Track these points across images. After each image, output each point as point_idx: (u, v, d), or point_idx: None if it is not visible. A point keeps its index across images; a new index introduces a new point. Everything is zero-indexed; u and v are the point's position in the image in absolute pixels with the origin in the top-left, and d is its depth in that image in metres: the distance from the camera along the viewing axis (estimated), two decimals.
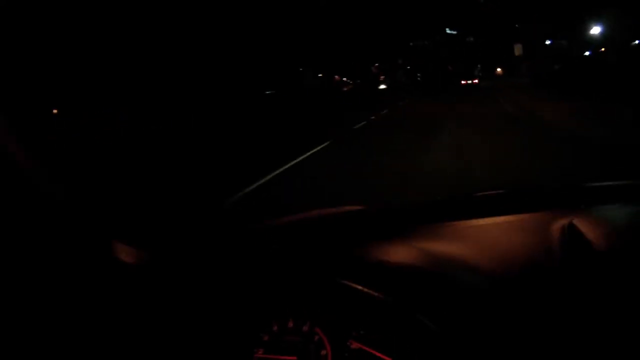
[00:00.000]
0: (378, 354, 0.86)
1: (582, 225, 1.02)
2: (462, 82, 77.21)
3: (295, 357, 0.91)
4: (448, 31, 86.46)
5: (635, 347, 0.73)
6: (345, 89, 63.57)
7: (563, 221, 1.07)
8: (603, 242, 0.95)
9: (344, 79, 75.48)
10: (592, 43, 39.96)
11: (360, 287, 0.86)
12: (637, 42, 29.45)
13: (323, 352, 0.91)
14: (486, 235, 1.10)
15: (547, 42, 42.43)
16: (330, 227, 1.25)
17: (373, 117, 19.13)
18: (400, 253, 1.04)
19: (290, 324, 0.94)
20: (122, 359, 0.86)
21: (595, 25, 38.02)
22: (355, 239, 1.13)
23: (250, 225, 1.30)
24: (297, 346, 0.92)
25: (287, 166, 8.81)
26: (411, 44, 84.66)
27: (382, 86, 58.26)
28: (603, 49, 33.80)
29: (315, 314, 0.94)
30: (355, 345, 0.89)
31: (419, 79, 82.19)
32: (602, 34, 39.30)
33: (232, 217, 5.23)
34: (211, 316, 0.96)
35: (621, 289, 0.83)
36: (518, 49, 35.69)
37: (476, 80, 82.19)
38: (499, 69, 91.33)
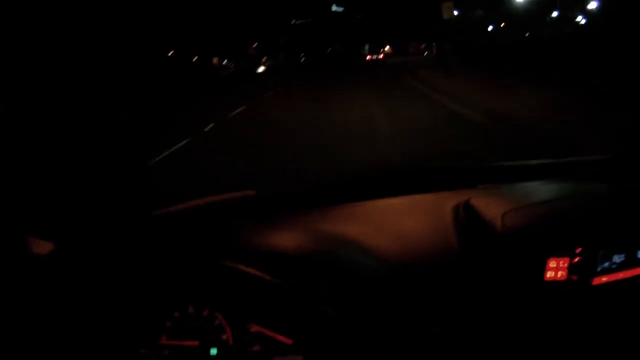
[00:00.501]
0: (278, 337, 0.90)
1: (479, 204, 1.07)
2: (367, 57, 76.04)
3: (197, 342, 0.95)
4: (334, 8, 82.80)
5: (528, 325, 0.84)
6: (225, 72, 57.14)
7: (459, 201, 1.11)
8: (498, 221, 0.99)
9: (225, 61, 68.99)
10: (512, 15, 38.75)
11: (252, 271, 0.89)
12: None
13: (224, 337, 0.94)
14: (384, 217, 1.11)
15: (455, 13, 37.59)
16: (222, 212, 1.25)
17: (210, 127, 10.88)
18: (293, 237, 1.04)
19: (191, 310, 0.97)
20: (33, 350, 0.89)
21: None
22: (246, 224, 1.14)
23: (145, 214, 1.28)
24: (199, 331, 0.95)
25: None
26: (293, 22, 79.60)
27: (261, 68, 51.04)
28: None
29: (213, 299, 0.97)
30: (255, 328, 0.93)
31: (302, 59, 77.01)
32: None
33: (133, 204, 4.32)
34: (115, 304, 0.98)
35: (514, 266, 0.91)
36: (448, 9, 24.59)
37: (381, 56, 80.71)
38: (387, 47, 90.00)
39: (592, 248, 0.98)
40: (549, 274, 0.96)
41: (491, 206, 1.06)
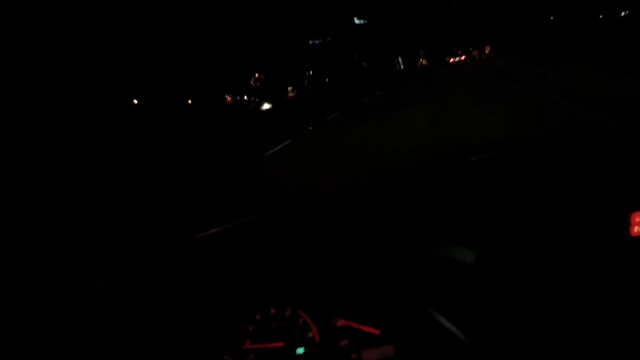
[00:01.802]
0: (365, 328, 0.90)
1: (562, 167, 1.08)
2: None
3: (282, 342, 0.95)
4: (357, 21, 73.53)
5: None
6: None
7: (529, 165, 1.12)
8: (576, 183, 1.00)
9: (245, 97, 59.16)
10: None
11: (332, 264, 0.93)
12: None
13: (310, 334, 0.94)
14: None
15: None
16: (295, 217, 1.27)
17: None
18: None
19: (273, 311, 0.98)
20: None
21: None
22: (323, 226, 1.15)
23: (189, 238, 1.29)
24: (283, 331, 0.96)
25: None
26: (311, 42, 70.15)
27: (266, 106, 37.77)
28: None
29: (295, 298, 0.98)
30: (341, 322, 0.93)
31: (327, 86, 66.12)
32: None
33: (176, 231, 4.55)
34: (197, 315, 1.00)
35: (599, 225, 0.93)
36: None
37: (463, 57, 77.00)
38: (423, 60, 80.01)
39: None
40: (636, 229, 0.95)
41: (566, 170, 1.07)
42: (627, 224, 0.95)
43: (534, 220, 0.99)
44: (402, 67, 75.60)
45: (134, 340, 0.99)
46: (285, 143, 11.87)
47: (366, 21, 72.44)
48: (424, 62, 79.17)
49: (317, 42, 70.61)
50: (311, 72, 66.91)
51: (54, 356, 0.94)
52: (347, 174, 5.63)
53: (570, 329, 0.88)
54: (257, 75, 56.89)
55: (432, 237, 1.02)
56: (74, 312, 0.97)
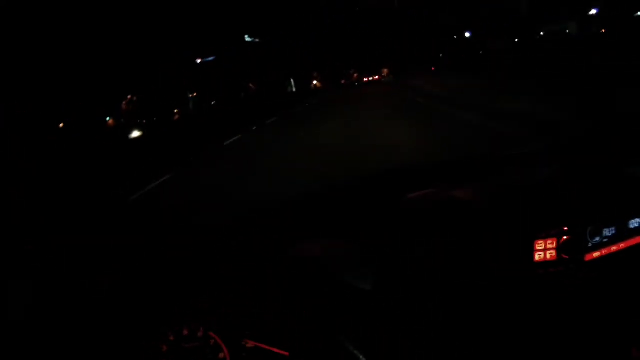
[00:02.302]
0: (274, 350, 0.91)
1: (463, 195, 1.12)
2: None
3: None
4: (248, 39, 69.28)
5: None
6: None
7: (446, 194, 1.14)
8: (482, 208, 1.05)
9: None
10: None
11: (244, 286, 0.94)
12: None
13: (221, 355, 0.96)
14: (381, 224, 1.15)
15: None
16: (219, 229, 1.30)
17: None
18: (301, 253, 1.05)
19: (186, 332, 0.98)
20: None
21: None
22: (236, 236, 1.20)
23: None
24: (196, 352, 0.97)
25: None
26: (200, 61, 64.52)
27: (135, 134, 31.26)
28: None
29: (206, 319, 0.98)
30: (251, 343, 0.94)
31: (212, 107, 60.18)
32: None
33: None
34: (111, 331, 0.99)
35: (503, 252, 0.95)
36: None
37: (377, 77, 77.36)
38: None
39: (580, 225, 1.01)
40: (538, 256, 0.98)
41: (474, 195, 1.10)
42: (531, 250, 0.98)
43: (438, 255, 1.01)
44: (294, 89, 72.59)
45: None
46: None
47: (257, 39, 68.37)
48: (318, 84, 76.77)
49: (206, 60, 65.48)
50: (195, 94, 61.35)
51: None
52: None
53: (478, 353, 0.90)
54: (129, 97, 49.69)
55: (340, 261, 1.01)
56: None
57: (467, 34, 46.76)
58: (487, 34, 42.72)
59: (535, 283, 0.96)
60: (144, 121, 48.56)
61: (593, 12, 34.20)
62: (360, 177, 1.61)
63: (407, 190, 1.22)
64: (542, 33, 37.67)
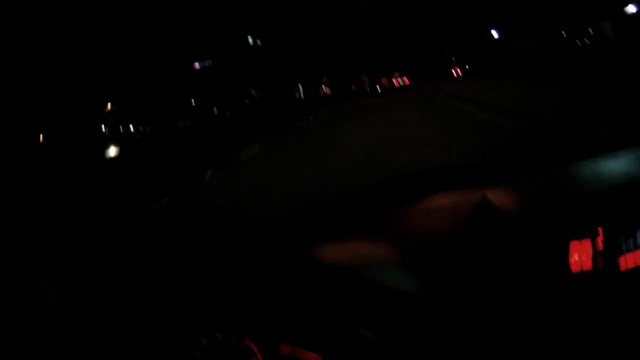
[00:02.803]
0: (308, 353, 0.92)
1: (497, 198, 1.10)
2: None
3: None
4: (250, 40, 64.15)
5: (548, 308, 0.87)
6: None
7: (479, 197, 1.12)
8: (517, 211, 1.04)
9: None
10: None
11: (280, 290, 0.93)
12: None
13: None
14: (408, 223, 1.13)
15: None
16: (247, 232, 1.26)
17: None
18: (326, 255, 1.04)
19: (219, 336, 0.97)
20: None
21: None
22: (275, 245, 1.14)
23: (170, 235, 1.33)
24: (229, 357, 0.96)
25: None
26: (197, 64, 58.72)
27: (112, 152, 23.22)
28: None
29: (241, 323, 0.97)
30: (285, 348, 0.93)
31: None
32: None
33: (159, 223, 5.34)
34: (143, 333, 0.99)
35: (538, 255, 0.93)
36: None
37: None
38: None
39: (614, 227, 1.00)
40: (574, 259, 0.97)
41: (509, 198, 1.09)
42: (566, 254, 0.97)
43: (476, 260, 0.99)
44: (302, 96, 67.52)
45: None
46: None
47: (260, 40, 63.17)
48: (327, 90, 71.69)
49: (203, 64, 60.12)
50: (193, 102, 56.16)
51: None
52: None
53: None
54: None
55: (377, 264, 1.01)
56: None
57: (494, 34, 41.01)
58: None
59: (570, 286, 0.95)
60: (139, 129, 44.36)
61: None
62: (387, 176, 1.50)
63: (438, 191, 1.21)
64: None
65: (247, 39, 59.26)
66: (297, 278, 0.97)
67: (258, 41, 61.30)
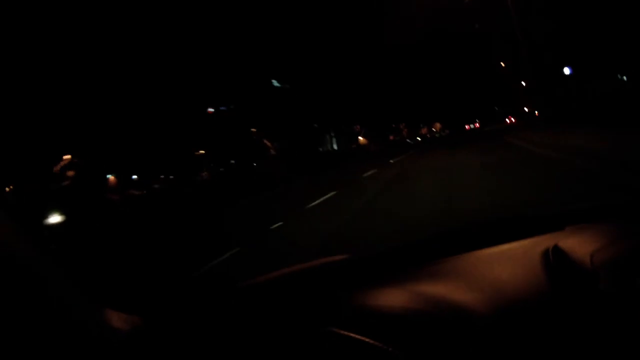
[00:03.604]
0: None
1: (567, 246, 1.10)
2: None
3: None
4: (275, 84, 56.07)
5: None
6: None
7: (548, 245, 1.12)
8: (587, 260, 1.00)
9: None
10: None
11: (354, 336, 0.90)
12: None
13: None
14: (475, 270, 1.13)
15: None
16: (318, 278, 1.27)
17: None
18: (393, 298, 1.05)
19: None
20: None
21: None
22: (343, 288, 1.14)
23: (238, 285, 1.31)
24: None
25: None
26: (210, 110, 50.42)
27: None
28: None
29: None
30: None
31: None
32: None
33: (219, 278, 5.20)
34: None
35: (611, 304, 0.90)
36: None
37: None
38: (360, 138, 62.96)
39: None
40: None
41: (579, 247, 1.09)
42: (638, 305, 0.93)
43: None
44: (335, 147, 58.24)
45: None
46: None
47: (288, 85, 54.91)
48: (363, 141, 62.43)
49: (220, 109, 52.40)
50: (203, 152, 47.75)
51: None
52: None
53: None
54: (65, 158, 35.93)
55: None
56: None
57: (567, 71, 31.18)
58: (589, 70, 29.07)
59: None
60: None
61: None
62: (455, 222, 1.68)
63: (508, 238, 1.25)
64: None
65: None
66: (365, 324, 0.95)
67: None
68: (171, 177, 46.70)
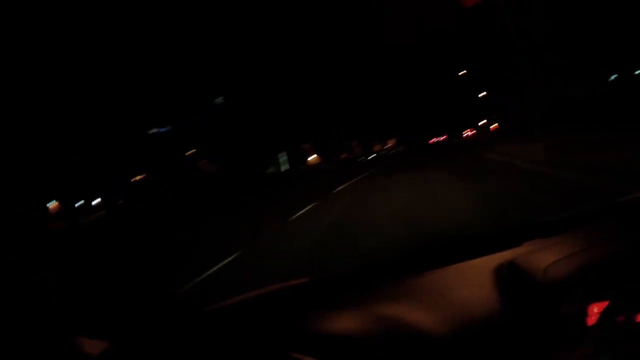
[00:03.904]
0: None
1: (520, 262, 1.15)
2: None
3: None
4: (218, 101, 52.77)
5: None
6: None
7: (503, 262, 1.17)
8: (540, 275, 1.05)
9: None
10: None
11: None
12: None
13: None
14: (432, 290, 1.15)
15: None
16: (278, 302, 1.28)
17: None
18: (351, 321, 1.06)
19: None
20: None
21: None
22: (303, 311, 1.17)
23: (201, 310, 1.32)
24: None
25: None
26: (151, 131, 46.65)
27: None
28: None
29: None
30: None
31: None
32: None
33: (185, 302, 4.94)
34: None
35: (558, 316, 0.95)
36: None
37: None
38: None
39: (633, 288, 1.03)
40: (593, 319, 1.00)
41: (532, 262, 1.12)
42: (585, 316, 0.99)
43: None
44: (287, 167, 55.43)
45: None
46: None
47: (228, 100, 51.78)
48: (314, 159, 59.74)
49: (160, 130, 48.79)
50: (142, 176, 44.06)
51: None
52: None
53: None
54: None
55: None
56: None
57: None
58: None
59: (588, 346, 0.96)
60: None
61: None
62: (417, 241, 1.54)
63: (463, 256, 1.26)
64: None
65: None
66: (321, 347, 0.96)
67: None
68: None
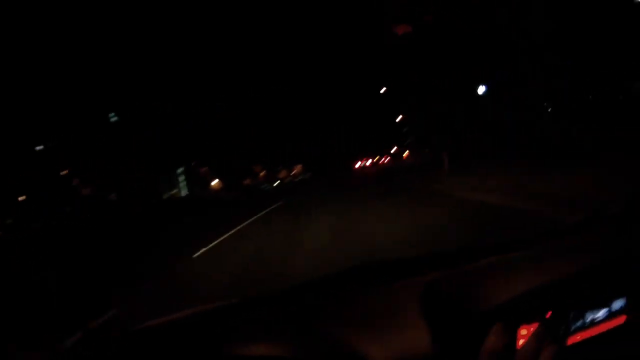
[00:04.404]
0: None
1: (446, 287, 1.16)
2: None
3: None
4: (113, 118, 48.25)
5: None
6: None
7: (419, 290, 1.17)
8: (467, 300, 1.07)
9: None
10: None
11: None
12: None
13: None
14: (360, 314, 1.15)
15: None
16: (203, 325, 1.25)
17: None
18: (276, 345, 1.04)
19: None
20: None
21: None
22: (227, 335, 1.15)
23: (128, 330, 1.31)
24: None
25: None
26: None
27: None
28: None
29: None
30: None
31: None
32: None
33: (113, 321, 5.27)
34: None
35: (487, 340, 0.93)
36: None
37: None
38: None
39: (562, 311, 1.06)
40: (522, 342, 0.99)
41: (458, 286, 1.14)
42: (514, 339, 1.00)
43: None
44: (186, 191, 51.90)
45: None
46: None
47: (124, 117, 47.76)
48: (217, 185, 56.53)
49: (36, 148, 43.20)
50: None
51: None
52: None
53: None
54: None
55: None
56: None
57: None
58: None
59: None
60: None
61: None
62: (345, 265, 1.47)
63: (385, 280, 1.25)
64: None
65: None
66: None
67: None
68: None
